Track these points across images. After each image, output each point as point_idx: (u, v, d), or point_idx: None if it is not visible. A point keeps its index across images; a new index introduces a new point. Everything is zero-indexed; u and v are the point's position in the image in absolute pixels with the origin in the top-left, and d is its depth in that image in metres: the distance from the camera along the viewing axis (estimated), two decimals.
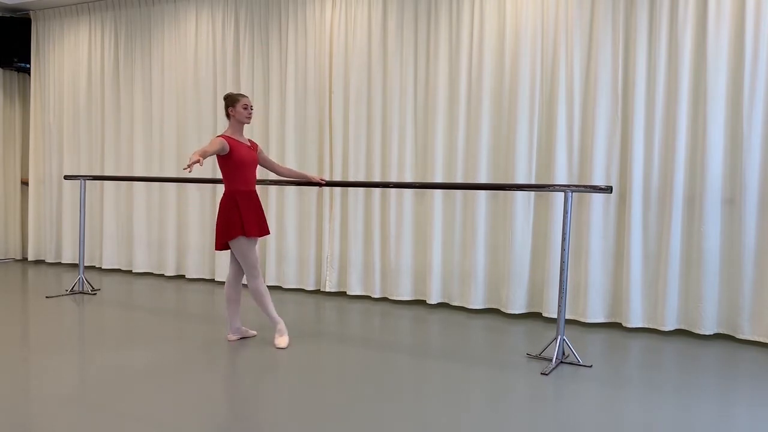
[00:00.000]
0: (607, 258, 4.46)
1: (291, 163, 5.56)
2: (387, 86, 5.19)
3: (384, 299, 5.30)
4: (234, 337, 3.92)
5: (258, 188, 5.64)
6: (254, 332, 4.06)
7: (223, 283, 5.97)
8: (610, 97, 4.40)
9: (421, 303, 5.16)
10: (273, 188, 5.68)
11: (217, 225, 3.70)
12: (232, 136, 3.72)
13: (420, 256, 5.14)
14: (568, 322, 4.49)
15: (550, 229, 4.56)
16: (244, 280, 5.77)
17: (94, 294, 5.39)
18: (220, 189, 5.81)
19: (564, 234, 3.59)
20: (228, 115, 3.75)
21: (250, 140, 3.89)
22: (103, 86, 6.68)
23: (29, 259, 7.25)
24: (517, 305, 4.70)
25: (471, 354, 3.71)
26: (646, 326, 4.33)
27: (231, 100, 3.72)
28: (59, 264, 7.11)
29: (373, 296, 5.31)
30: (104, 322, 4.36)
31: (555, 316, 4.01)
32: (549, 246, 4.56)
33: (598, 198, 4.43)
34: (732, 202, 4.12)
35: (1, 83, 7.29)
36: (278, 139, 5.68)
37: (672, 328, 4.24)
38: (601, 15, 4.39)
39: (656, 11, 4.24)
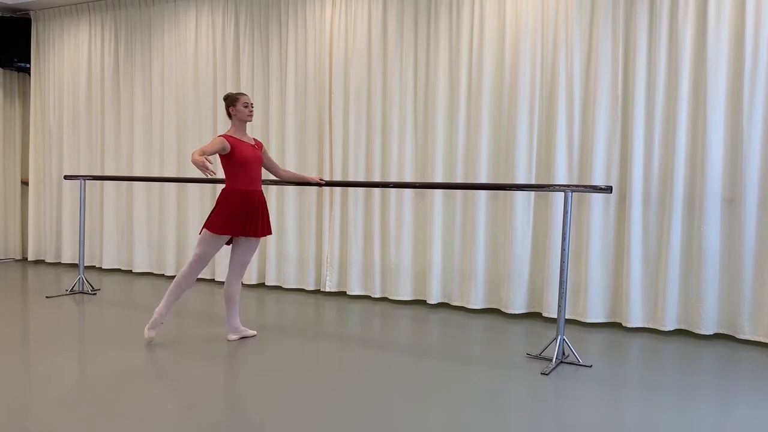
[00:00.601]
0: (607, 258, 4.46)
1: (291, 163, 5.56)
2: (387, 86, 5.19)
3: (384, 299, 5.30)
4: (234, 337, 3.92)
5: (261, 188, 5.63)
6: (254, 332, 4.06)
7: (222, 283, 5.97)
8: (610, 97, 4.40)
9: (421, 303, 5.16)
10: (273, 188, 5.68)
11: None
12: (234, 135, 3.72)
13: (420, 256, 5.14)
14: (568, 322, 4.49)
15: (550, 229, 4.56)
16: (243, 280, 5.78)
17: (94, 294, 5.39)
18: (220, 189, 5.80)
19: (564, 234, 3.59)
20: (229, 115, 3.75)
21: (255, 139, 3.89)
22: (103, 86, 6.68)
23: (29, 259, 7.25)
24: (517, 305, 4.70)
25: (471, 354, 3.71)
26: (646, 326, 4.33)
27: (231, 100, 3.72)
28: (59, 264, 7.11)
29: (373, 296, 5.31)
30: (104, 322, 4.36)
31: (555, 316, 4.00)
32: (549, 246, 4.56)
33: (598, 198, 4.43)
34: (732, 202, 4.12)
35: (1, 83, 7.29)
36: (278, 139, 5.68)
37: (672, 328, 4.24)
38: (601, 15, 4.39)
39: (656, 11, 4.24)
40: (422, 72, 5.08)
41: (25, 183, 7.50)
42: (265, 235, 3.83)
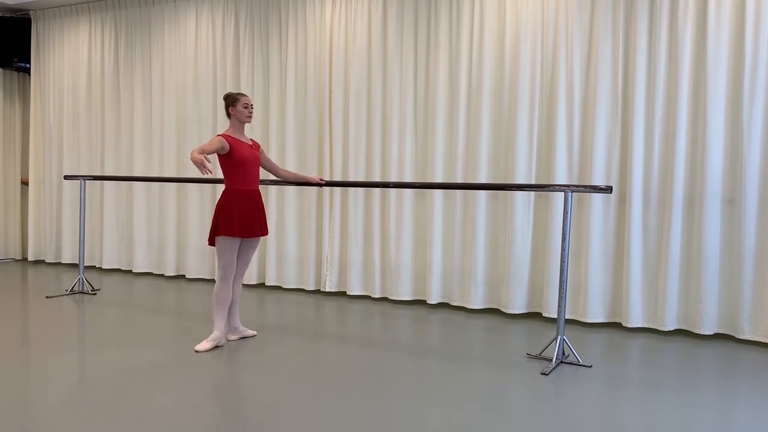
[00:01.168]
0: (607, 258, 4.46)
1: (291, 163, 5.56)
2: (387, 86, 5.19)
3: (384, 299, 5.29)
4: (234, 337, 3.92)
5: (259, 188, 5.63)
6: (254, 332, 4.06)
7: None
8: (610, 97, 4.40)
9: (421, 303, 5.16)
10: (273, 188, 5.68)
11: (212, 221, 3.72)
12: (233, 135, 3.72)
13: (420, 256, 5.14)
14: (568, 322, 4.49)
15: (550, 229, 4.56)
16: (243, 280, 5.77)
17: (94, 294, 5.39)
18: (220, 189, 5.81)
19: (564, 234, 3.59)
20: (229, 115, 3.75)
21: (252, 140, 3.89)
22: (103, 86, 6.68)
23: (29, 259, 7.25)
24: (517, 305, 4.70)
25: (471, 354, 3.71)
26: (646, 326, 4.33)
27: (231, 100, 3.72)
28: (59, 264, 7.11)
29: (373, 296, 5.31)
30: (104, 322, 4.36)
31: (555, 316, 4.00)
32: (549, 246, 4.56)
33: (598, 198, 4.43)
34: (732, 202, 4.12)
35: (1, 83, 7.29)
36: (278, 139, 5.68)
37: (672, 328, 4.24)
38: (601, 15, 4.39)
39: (656, 11, 4.24)
40: (422, 72, 5.08)
41: (25, 183, 7.49)
42: (264, 235, 3.84)
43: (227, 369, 3.35)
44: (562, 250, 3.60)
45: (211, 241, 3.72)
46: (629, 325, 4.32)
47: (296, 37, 5.58)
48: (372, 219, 5.27)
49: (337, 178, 5.38)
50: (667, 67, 4.23)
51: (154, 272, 6.44)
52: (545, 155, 4.66)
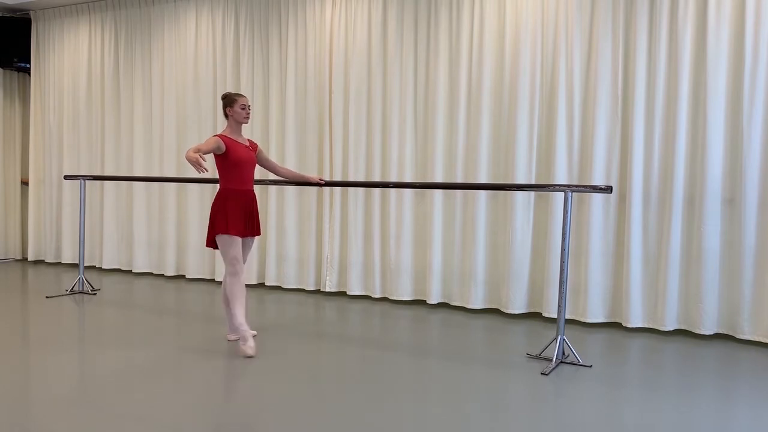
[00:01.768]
0: (607, 258, 4.46)
1: (291, 163, 5.56)
2: (387, 86, 5.19)
3: (384, 299, 5.29)
4: (234, 337, 3.92)
5: (258, 188, 5.63)
6: (253, 332, 4.05)
7: (222, 282, 5.96)
8: (610, 97, 4.40)
9: (421, 303, 5.16)
10: (273, 188, 5.68)
11: (209, 222, 3.72)
12: (230, 136, 3.72)
13: (420, 256, 5.14)
14: (568, 322, 4.49)
15: (550, 229, 4.56)
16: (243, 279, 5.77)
17: (94, 294, 5.39)
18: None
19: (564, 234, 3.59)
20: (226, 115, 3.75)
21: (249, 140, 3.89)
22: (103, 86, 6.68)
23: (29, 259, 7.25)
24: (517, 305, 4.70)
25: (471, 354, 3.71)
26: (646, 326, 4.33)
27: (229, 100, 3.72)
28: (59, 264, 7.11)
29: (373, 296, 5.31)
30: (104, 322, 4.36)
31: (555, 316, 4.00)
32: (549, 246, 4.56)
33: (598, 198, 4.43)
34: (732, 202, 4.12)
35: (1, 83, 7.29)
36: (278, 139, 5.68)
37: (672, 328, 4.24)
38: (601, 15, 4.39)
39: (656, 11, 4.24)
40: (422, 72, 5.08)
41: (25, 183, 7.49)
42: (256, 235, 3.84)
43: (227, 369, 3.35)
44: (562, 250, 3.60)
45: (209, 243, 3.72)
46: (629, 325, 4.32)
47: (296, 37, 5.57)
48: (372, 219, 5.27)
49: (337, 178, 5.38)
50: (667, 67, 4.23)
51: (154, 272, 6.44)
52: (545, 155, 4.66)
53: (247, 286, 5.79)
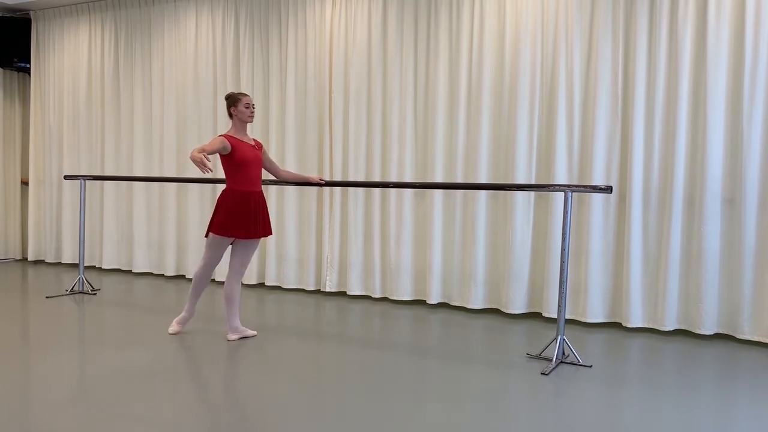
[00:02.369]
0: (607, 258, 4.46)
1: (291, 163, 5.56)
2: (387, 86, 5.19)
3: (384, 299, 5.29)
4: (234, 337, 3.92)
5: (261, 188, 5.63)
6: (254, 332, 4.06)
7: (222, 283, 5.96)
8: (610, 97, 4.40)
9: (421, 303, 5.16)
10: (273, 188, 5.68)
11: (211, 216, 3.80)
12: (235, 136, 3.72)
13: (420, 256, 5.14)
14: (568, 322, 4.49)
15: (550, 229, 4.56)
16: (244, 280, 5.77)
17: (94, 294, 5.39)
18: (220, 189, 5.79)
19: (564, 234, 3.59)
20: (230, 115, 3.75)
21: (254, 139, 3.89)
22: (103, 86, 6.68)
23: (29, 259, 7.25)
24: (517, 305, 4.70)
25: (471, 354, 3.71)
26: (646, 326, 4.33)
27: (233, 100, 3.72)
28: (59, 264, 7.11)
29: (373, 296, 5.31)
30: (104, 322, 4.36)
31: (555, 316, 4.00)
32: (549, 246, 4.56)
33: (598, 198, 4.43)
34: (732, 202, 4.12)
35: (1, 83, 7.29)
36: (278, 139, 5.68)
37: (672, 328, 4.24)
38: (601, 15, 4.39)
39: (656, 11, 4.24)
40: (422, 72, 5.08)
41: (25, 183, 7.49)
42: (265, 236, 3.84)
43: (227, 369, 3.35)
44: (562, 250, 3.60)
45: (207, 235, 3.78)
46: (629, 325, 4.32)
47: (296, 37, 5.58)
48: (372, 219, 5.27)
49: (337, 178, 5.38)
50: (667, 67, 4.23)
51: (154, 272, 6.44)
52: (545, 155, 4.66)
53: (248, 286, 5.79)
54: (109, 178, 5.41)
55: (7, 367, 3.27)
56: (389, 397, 2.94)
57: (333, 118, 5.39)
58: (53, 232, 7.12)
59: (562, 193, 3.70)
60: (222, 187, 3.87)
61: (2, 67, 7.18)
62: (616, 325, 4.48)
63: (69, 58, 6.91)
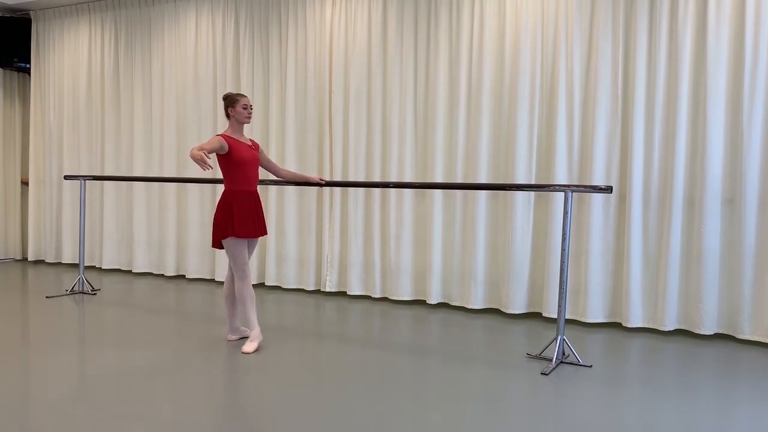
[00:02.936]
0: (607, 258, 4.46)
1: (291, 163, 5.56)
2: (387, 86, 5.19)
3: (384, 299, 5.29)
4: (234, 337, 3.92)
5: (258, 188, 5.63)
6: None
7: (222, 283, 5.97)
8: (610, 97, 4.40)
9: (421, 303, 5.16)
10: (273, 188, 5.68)
11: (213, 223, 3.72)
12: (232, 136, 3.73)
13: (420, 256, 5.14)
14: (568, 322, 4.49)
15: (550, 229, 4.56)
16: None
17: (94, 294, 5.39)
18: (220, 189, 5.81)
19: (564, 234, 3.59)
20: (228, 116, 3.75)
21: (251, 140, 3.89)
22: (103, 86, 6.68)
23: (29, 259, 7.25)
24: (517, 305, 4.70)
25: (471, 354, 3.71)
26: (646, 326, 4.33)
27: (230, 101, 3.72)
28: (59, 264, 7.11)
29: (373, 296, 5.31)
30: (104, 322, 4.36)
31: (555, 316, 4.00)
32: (549, 246, 4.56)
33: (598, 198, 4.43)
34: (732, 202, 4.12)
35: (1, 83, 7.29)
36: (278, 139, 5.68)
37: (672, 328, 4.24)
38: (601, 15, 4.39)
39: (656, 11, 4.24)
40: (422, 72, 5.08)
41: (25, 183, 7.49)
42: (262, 235, 3.84)
43: (227, 369, 3.35)
44: (562, 250, 3.60)
45: (215, 244, 3.72)
46: (629, 325, 4.32)
47: (296, 37, 5.58)
48: (372, 219, 5.27)
49: (337, 178, 5.38)
50: (667, 67, 4.23)
51: (154, 272, 6.44)
52: (545, 155, 4.66)
53: None
54: (109, 178, 5.41)
55: (7, 367, 3.27)
56: (389, 397, 2.94)
57: (333, 118, 5.39)
58: (53, 232, 7.12)
59: (562, 193, 3.70)
60: (222, 187, 3.86)
61: (2, 67, 7.18)
62: (616, 325, 4.48)
63: (69, 58, 6.91)
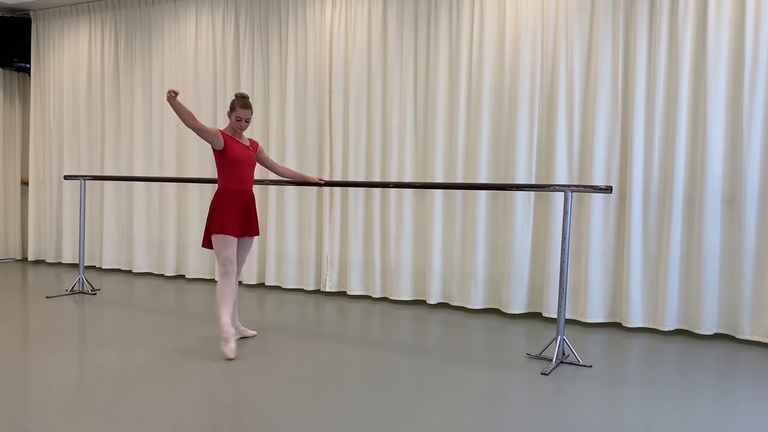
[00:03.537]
0: (607, 258, 4.46)
1: (291, 163, 5.56)
2: (387, 86, 5.19)
3: (384, 299, 5.29)
4: (234, 337, 3.92)
5: (258, 188, 5.64)
6: (254, 332, 4.06)
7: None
8: (610, 97, 4.40)
9: (421, 303, 5.16)
10: (273, 188, 5.68)
11: (206, 222, 3.71)
12: (231, 135, 3.72)
13: (420, 256, 5.14)
14: (568, 322, 4.49)
15: (550, 229, 4.56)
16: (243, 280, 5.78)
17: (94, 294, 5.39)
18: None
19: (564, 234, 3.59)
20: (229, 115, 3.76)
21: (250, 140, 3.88)
22: (103, 86, 6.68)
23: (29, 259, 7.25)
24: (517, 305, 4.70)
25: (471, 354, 3.71)
26: (646, 326, 4.33)
27: (232, 106, 3.70)
28: (59, 264, 7.11)
29: (373, 296, 5.31)
30: (104, 322, 4.36)
31: (555, 316, 4.00)
32: (549, 246, 4.56)
33: (598, 198, 4.43)
34: (732, 202, 4.12)
35: (1, 83, 7.29)
36: (278, 139, 5.68)
37: (672, 328, 4.24)
38: (601, 15, 4.39)
39: (656, 11, 4.24)
40: (422, 72, 5.08)
41: (25, 183, 7.50)
42: (254, 235, 3.82)
43: (227, 369, 3.35)
44: (562, 250, 3.60)
45: (205, 243, 3.71)
46: (629, 325, 4.32)
47: (296, 37, 5.58)
48: (372, 219, 5.27)
49: (337, 178, 5.38)
50: (667, 67, 4.23)
51: (154, 272, 6.44)
52: (545, 155, 4.66)
53: (248, 286, 5.79)
54: (109, 178, 5.41)
55: (7, 367, 3.27)
56: (389, 397, 2.94)
57: (333, 118, 5.39)
58: (53, 232, 7.12)
59: (562, 193, 3.70)
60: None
61: (2, 67, 7.18)
62: (616, 325, 4.48)
63: (69, 58, 6.91)
